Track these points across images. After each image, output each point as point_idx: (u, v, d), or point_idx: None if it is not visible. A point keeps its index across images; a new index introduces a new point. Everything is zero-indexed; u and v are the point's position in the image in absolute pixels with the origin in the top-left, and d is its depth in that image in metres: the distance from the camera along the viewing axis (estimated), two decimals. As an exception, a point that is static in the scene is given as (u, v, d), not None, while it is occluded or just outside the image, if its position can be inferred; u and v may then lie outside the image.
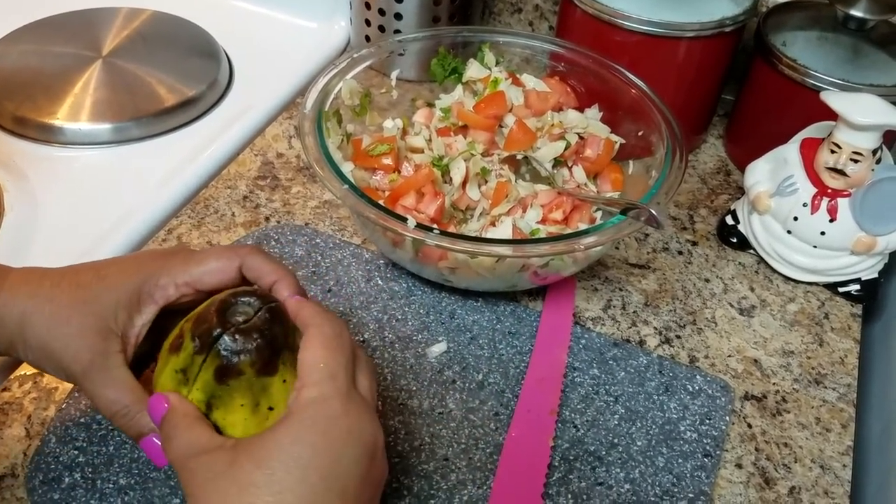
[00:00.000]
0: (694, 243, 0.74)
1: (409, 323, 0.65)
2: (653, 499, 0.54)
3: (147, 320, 0.48)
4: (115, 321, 0.47)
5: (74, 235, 0.69)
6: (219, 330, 0.43)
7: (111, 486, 0.52)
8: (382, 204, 0.59)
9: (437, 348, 0.63)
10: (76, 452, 0.53)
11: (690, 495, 0.54)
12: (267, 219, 0.73)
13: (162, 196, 0.74)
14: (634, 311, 0.67)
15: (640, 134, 0.68)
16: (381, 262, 0.69)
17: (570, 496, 0.53)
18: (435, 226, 0.59)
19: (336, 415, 0.40)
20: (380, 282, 0.68)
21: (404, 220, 0.57)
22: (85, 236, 0.69)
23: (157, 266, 0.48)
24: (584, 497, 0.53)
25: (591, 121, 0.70)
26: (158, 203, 0.73)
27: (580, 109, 0.71)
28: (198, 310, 0.46)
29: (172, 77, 0.85)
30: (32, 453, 0.53)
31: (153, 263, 0.48)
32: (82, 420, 0.55)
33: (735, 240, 0.73)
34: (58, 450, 0.53)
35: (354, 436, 0.40)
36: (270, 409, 0.43)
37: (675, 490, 0.54)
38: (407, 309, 0.66)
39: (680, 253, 0.73)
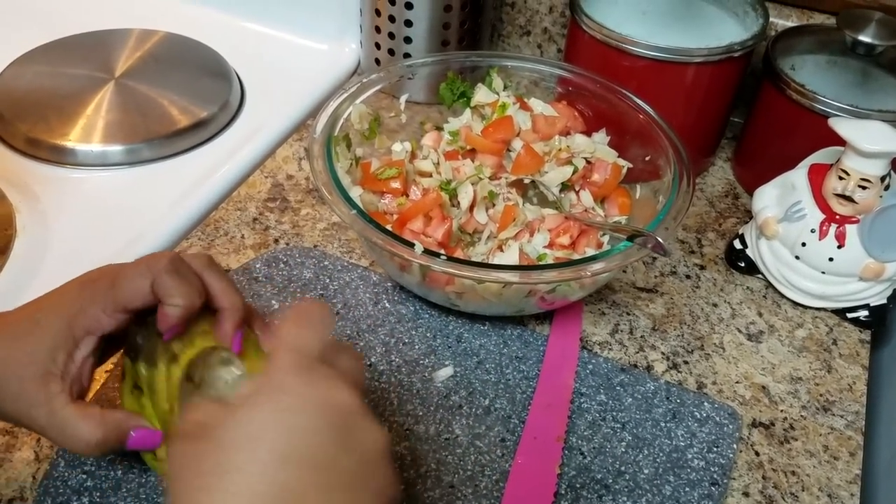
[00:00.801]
0: (702, 267, 0.74)
1: (416, 347, 0.65)
2: (659, 528, 0.54)
3: (88, 352, 0.48)
4: (53, 364, 0.47)
5: (86, 256, 0.69)
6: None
7: (119, 510, 0.52)
8: (390, 228, 0.59)
9: (444, 373, 0.63)
10: (84, 476, 0.54)
11: (697, 524, 0.54)
12: (276, 241, 0.73)
13: (173, 218, 0.74)
14: (642, 336, 0.67)
15: (647, 158, 0.68)
16: (389, 285, 0.70)
17: (576, 524, 0.53)
18: (442, 251, 0.60)
19: (291, 386, 0.39)
20: (387, 305, 0.68)
21: (412, 245, 0.57)
22: (97, 257, 0.68)
23: (83, 298, 0.48)
24: (591, 525, 0.53)
25: (598, 145, 0.70)
26: (169, 225, 0.74)
27: (588, 134, 0.72)
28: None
29: (184, 98, 0.85)
30: (41, 477, 0.54)
31: (78, 297, 0.48)
32: (91, 443, 0.56)
33: (743, 264, 0.73)
34: (66, 473, 0.54)
35: (315, 404, 0.39)
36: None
37: (682, 519, 0.54)
38: (414, 332, 0.66)
39: (688, 277, 0.73)
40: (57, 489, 0.53)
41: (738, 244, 0.74)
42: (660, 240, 0.54)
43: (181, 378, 0.47)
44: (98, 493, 0.53)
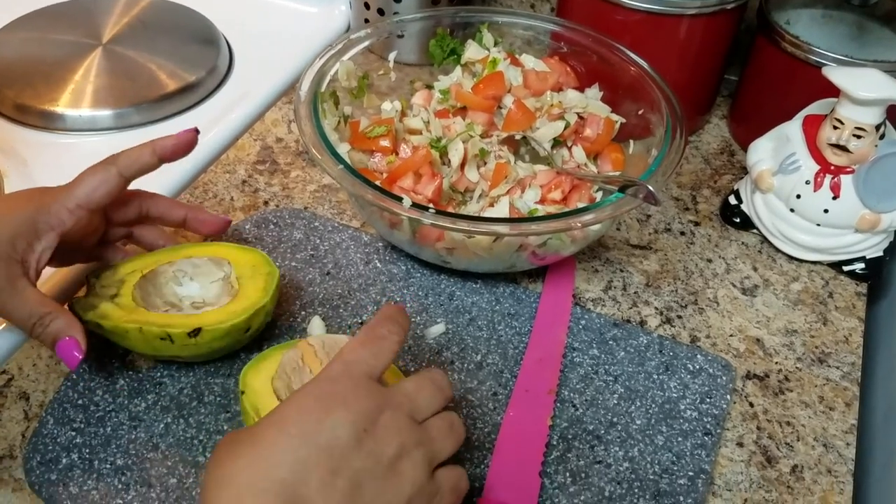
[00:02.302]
0: (696, 224, 0.73)
1: (408, 305, 0.64)
2: (652, 477, 0.53)
3: (47, 245, 0.53)
4: (13, 249, 0.51)
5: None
6: None
7: (108, 466, 0.52)
8: (379, 185, 0.59)
9: (436, 329, 0.62)
10: (74, 434, 0.53)
11: (690, 473, 0.54)
12: (266, 203, 0.73)
13: (161, 181, 0.73)
14: (635, 292, 0.67)
15: (640, 113, 0.68)
16: (380, 244, 0.69)
17: (568, 474, 0.53)
18: (431, 205, 0.59)
19: (331, 385, 0.41)
20: (378, 264, 0.68)
21: (400, 199, 0.57)
22: (84, 221, 0.69)
23: (47, 197, 0.53)
24: (583, 475, 0.53)
25: (590, 100, 0.69)
26: (158, 187, 0.72)
27: (580, 89, 0.71)
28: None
29: (172, 63, 0.85)
30: (30, 435, 0.54)
31: (41, 196, 0.53)
32: (80, 402, 0.55)
33: (738, 220, 0.72)
34: (55, 431, 0.54)
35: (345, 403, 0.40)
36: None
37: (675, 468, 0.54)
38: (406, 291, 0.66)
39: (682, 233, 0.72)
40: (46, 446, 0.53)
41: (732, 200, 0.73)
42: (651, 189, 0.53)
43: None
44: (87, 450, 0.52)
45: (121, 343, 0.55)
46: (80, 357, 0.50)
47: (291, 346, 0.52)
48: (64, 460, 0.52)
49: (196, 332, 0.53)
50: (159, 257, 0.59)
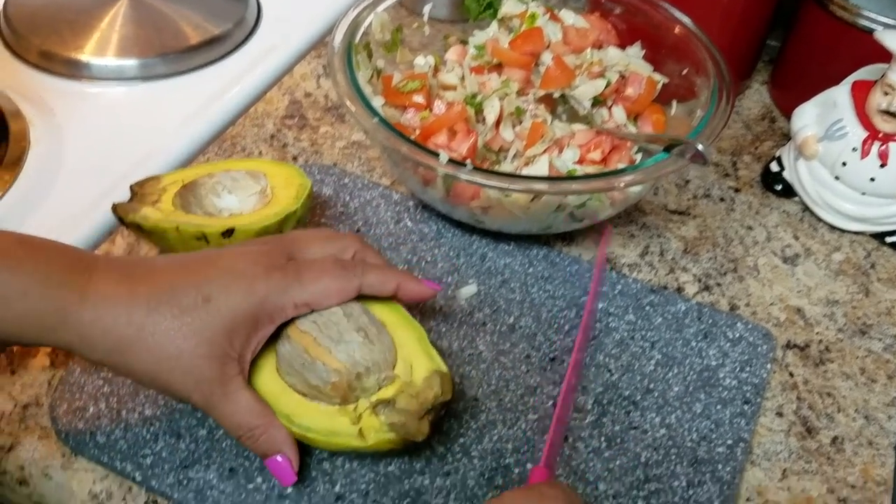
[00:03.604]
0: (737, 190, 0.71)
1: (439, 265, 0.63)
2: (689, 444, 0.52)
3: (263, 338, 0.46)
4: (230, 346, 0.44)
5: (100, 170, 0.68)
6: None
7: (137, 416, 0.51)
8: (414, 140, 0.57)
9: (468, 290, 0.61)
10: (101, 382, 0.53)
11: (729, 441, 0.52)
12: (294, 158, 0.71)
13: (188, 133, 0.72)
14: (673, 258, 0.65)
15: (684, 73, 0.65)
16: (411, 203, 0.68)
17: (603, 439, 0.52)
18: (468, 161, 0.57)
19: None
20: (409, 223, 0.66)
21: (436, 154, 0.55)
22: (111, 171, 0.68)
23: (272, 287, 0.45)
24: (618, 440, 0.52)
25: (632, 59, 0.67)
26: (185, 140, 0.72)
27: (621, 47, 0.68)
28: None
29: (199, 15, 0.83)
30: (57, 383, 0.53)
31: (265, 284, 0.45)
32: (107, 351, 0.54)
33: (780, 187, 0.70)
34: (83, 380, 0.53)
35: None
36: None
37: (714, 436, 0.52)
38: (437, 251, 0.64)
39: (722, 200, 0.70)
40: (73, 395, 0.52)
41: (774, 166, 0.71)
42: (700, 147, 0.51)
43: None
44: (115, 399, 0.52)
45: (159, 244, 0.57)
46: (295, 478, 0.46)
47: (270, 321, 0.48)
48: (91, 409, 0.51)
49: (230, 232, 0.54)
50: (200, 170, 0.61)
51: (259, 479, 0.48)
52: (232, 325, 0.44)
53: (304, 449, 0.48)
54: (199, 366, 0.44)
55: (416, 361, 0.48)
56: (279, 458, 0.45)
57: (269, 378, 0.48)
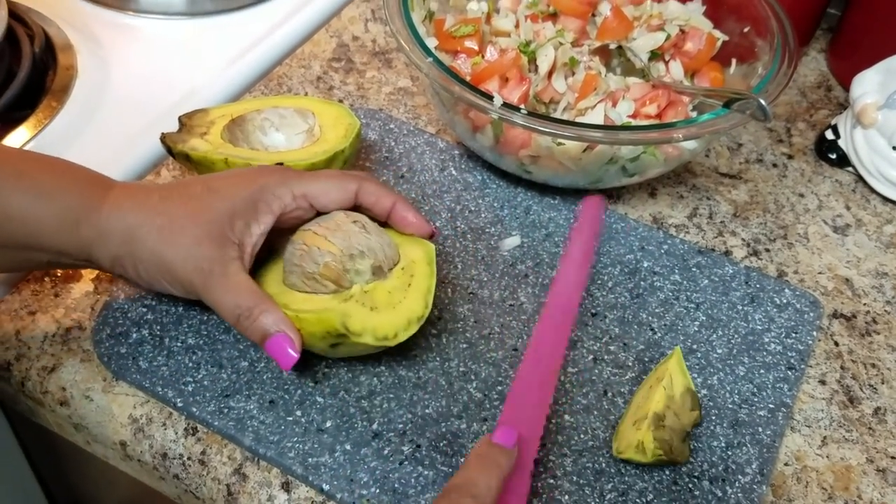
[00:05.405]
0: (790, 157, 0.70)
1: (483, 215, 0.62)
2: (731, 406, 0.51)
3: (264, 230, 0.48)
4: (231, 229, 0.47)
5: (146, 102, 0.67)
6: None
7: (179, 344, 0.51)
8: (468, 81, 0.56)
9: (511, 242, 0.60)
10: (144, 310, 0.53)
11: (771, 406, 0.51)
12: (340, 101, 0.70)
13: (234, 70, 0.71)
14: (722, 222, 0.64)
15: (744, 31, 0.63)
16: (456, 152, 0.67)
17: (644, 396, 0.51)
18: (522, 106, 0.56)
19: None
20: (454, 172, 0.65)
21: (490, 97, 0.54)
22: (156, 103, 0.67)
23: (274, 178, 0.49)
24: (659, 398, 0.51)
25: (693, 14, 0.65)
26: (231, 77, 0.71)
27: (682, 1, 0.67)
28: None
29: (249, -48, 0.81)
30: (100, 308, 0.53)
31: (268, 176, 0.49)
32: (151, 280, 0.54)
33: (834, 156, 0.69)
34: (126, 306, 0.53)
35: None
36: None
37: (755, 399, 0.52)
38: (481, 201, 0.63)
39: (774, 165, 0.69)
40: (116, 320, 0.52)
41: (829, 134, 0.69)
42: (762, 102, 0.49)
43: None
44: (158, 327, 0.52)
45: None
46: (296, 357, 0.45)
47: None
48: (134, 335, 0.51)
49: (279, 166, 0.53)
50: (248, 105, 0.60)
51: (298, 413, 0.48)
52: (232, 209, 0.47)
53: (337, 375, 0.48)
54: (200, 245, 0.46)
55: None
56: (279, 339, 0.45)
57: (273, 288, 0.49)
